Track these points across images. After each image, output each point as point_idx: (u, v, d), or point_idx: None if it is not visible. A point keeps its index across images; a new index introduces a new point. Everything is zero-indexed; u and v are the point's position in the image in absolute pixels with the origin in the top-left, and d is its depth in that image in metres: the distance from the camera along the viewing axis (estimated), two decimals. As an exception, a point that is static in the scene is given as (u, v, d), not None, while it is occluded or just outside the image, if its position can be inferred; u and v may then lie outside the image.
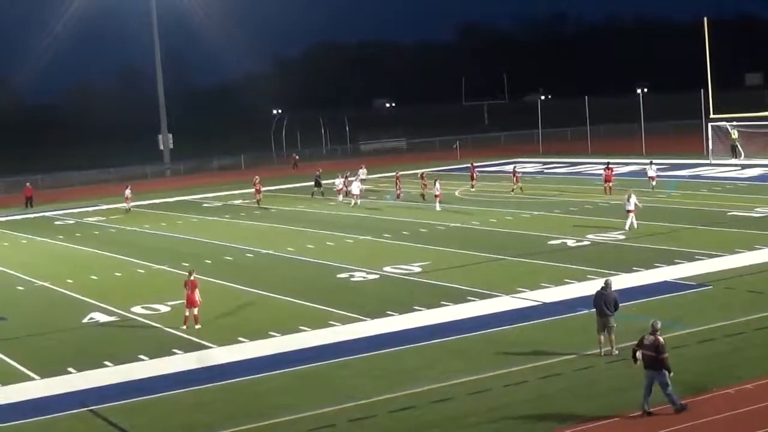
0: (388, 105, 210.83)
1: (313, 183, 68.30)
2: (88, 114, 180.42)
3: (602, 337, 24.49)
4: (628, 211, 43.96)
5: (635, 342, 20.93)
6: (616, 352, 24.36)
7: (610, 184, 58.02)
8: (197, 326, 30.16)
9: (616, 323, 24.45)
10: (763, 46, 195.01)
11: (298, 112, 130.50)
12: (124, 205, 66.79)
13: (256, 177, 66.23)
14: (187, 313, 30.50)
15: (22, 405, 23.74)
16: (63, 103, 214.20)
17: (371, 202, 61.94)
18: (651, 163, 60.97)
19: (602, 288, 24.77)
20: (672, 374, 20.20)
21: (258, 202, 63.88)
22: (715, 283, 32.04)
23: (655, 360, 20.15)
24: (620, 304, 24.84)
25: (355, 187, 60.97)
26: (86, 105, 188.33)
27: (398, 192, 63.07)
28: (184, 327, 30.20)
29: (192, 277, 30.67)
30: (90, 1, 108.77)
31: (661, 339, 20.35)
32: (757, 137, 73.90)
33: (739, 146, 73.51)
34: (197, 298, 30.35)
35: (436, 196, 56.66)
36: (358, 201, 60.13)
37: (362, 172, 70.24)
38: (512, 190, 61.65)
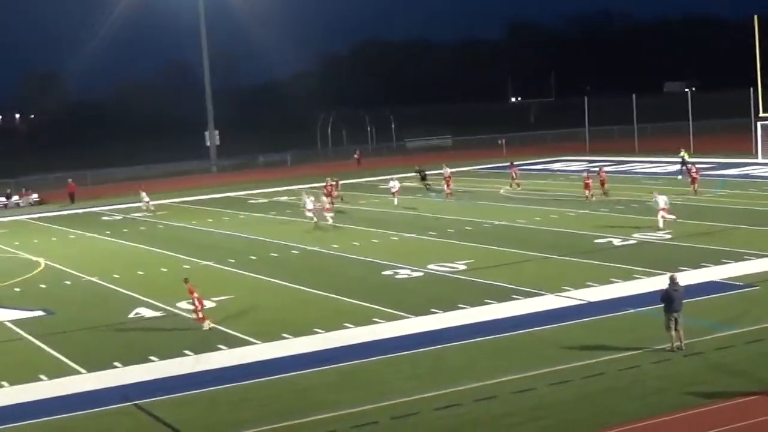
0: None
1: (419, 177, 68.80)
2: (135, 110, 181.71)
3: (674, 333, 24.37)
4: (661, 209, 43.94)
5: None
6: (684, 347, 24.31)
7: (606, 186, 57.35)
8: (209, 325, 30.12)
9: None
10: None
11: (344, 109, 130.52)
12: (145, 205, 65.16)
13: (328, 178, 61.92)
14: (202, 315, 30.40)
15: (69, 398, 23.98)
16: (110, 100, 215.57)
17: (415, 200, 61.82)
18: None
19: (673, 285, 24.58)
20: None
21: (334, 202, 58.07)
22: (762, 283, 31.65)
23: None
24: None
25: (308, 204, 53.37)
26: (133, 101, 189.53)
27: (448, 191, 62.69)
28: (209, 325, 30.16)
29: (188, 285, 30.64)
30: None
31: None
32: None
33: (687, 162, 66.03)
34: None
35: (394, 192, 59.01)
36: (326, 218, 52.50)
37: (447, 170, 65.97)
38: (512, 186, 63.86)
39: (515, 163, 69.36)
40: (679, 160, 66.82)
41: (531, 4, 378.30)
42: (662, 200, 44.11)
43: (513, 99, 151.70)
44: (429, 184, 67.66)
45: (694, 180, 56.00)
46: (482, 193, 63.65)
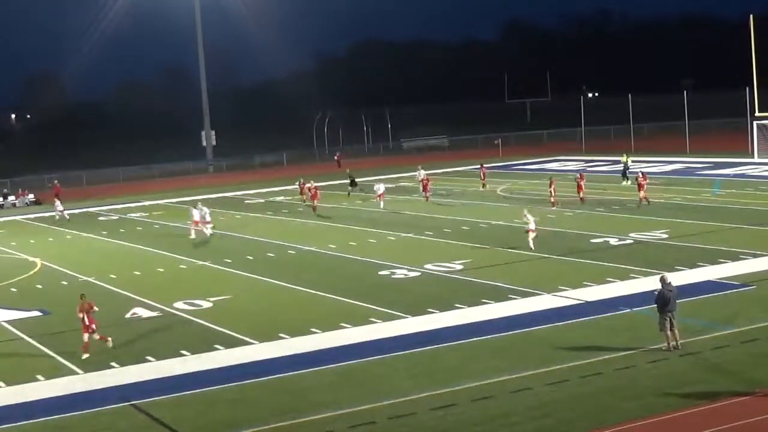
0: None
1: (349, 182, 68.17)
2: (132, 111, 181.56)
3: (669, 333, 24.42)
4: (530, 230, 40.79)
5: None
6: (680, 346, 24.34)
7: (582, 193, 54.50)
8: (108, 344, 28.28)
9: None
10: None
11: (340, 110, 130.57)
12: (59, 213, 63.48)
13: (308, 180, 61.98)
14: (86, 339, 27.97)
15: (66, 399, 23.98)
16: (107, 100, 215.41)
17: (409, 201, 61.80)
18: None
19: (667, 285, 24.63)
20: None
21: (314, 208, 58.52)
22: (759, 283, 31.70)
23: None
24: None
25: (197, 215, 51.67)
26: (130, 102, 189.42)
27: (426, 194, 61.84)
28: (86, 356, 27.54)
29: (84, 301, 28.54)
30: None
31: None
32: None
33: (629, 168, 64.74)
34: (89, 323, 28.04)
35: (379, 195, 58.70)
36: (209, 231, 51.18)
37: (421, 173, 65.50)
38: (482, 186, 65.18)
39: (485, 164, 69.77)
40: (622, 164, 65.47)
41: (527, 3, 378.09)
42: (531, 220, 41.13)
43: (509, 99, 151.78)
44: (360, 190, 66.99)
45: (641, 187, 52.14)
46: (478, 193, 63.69)
